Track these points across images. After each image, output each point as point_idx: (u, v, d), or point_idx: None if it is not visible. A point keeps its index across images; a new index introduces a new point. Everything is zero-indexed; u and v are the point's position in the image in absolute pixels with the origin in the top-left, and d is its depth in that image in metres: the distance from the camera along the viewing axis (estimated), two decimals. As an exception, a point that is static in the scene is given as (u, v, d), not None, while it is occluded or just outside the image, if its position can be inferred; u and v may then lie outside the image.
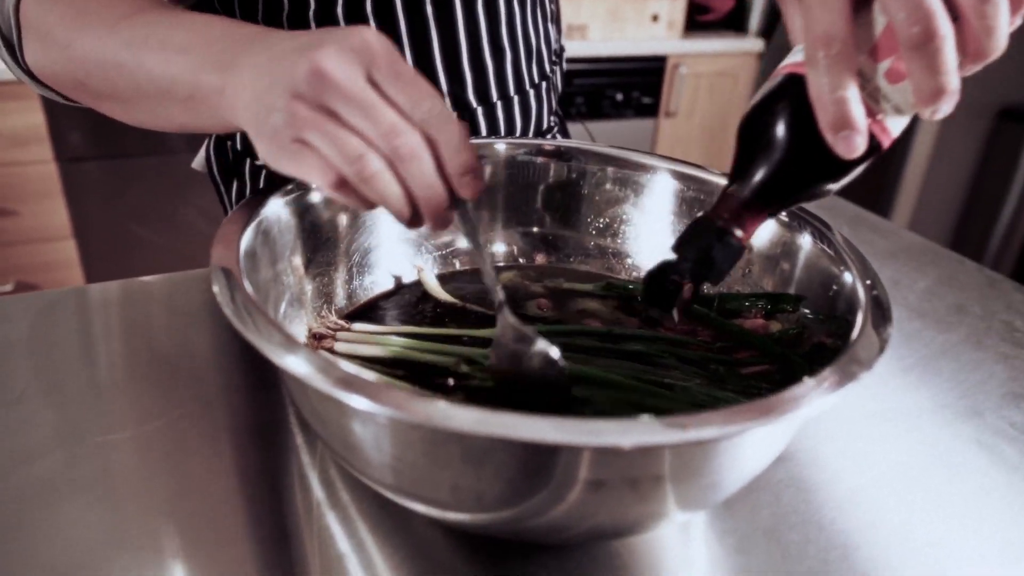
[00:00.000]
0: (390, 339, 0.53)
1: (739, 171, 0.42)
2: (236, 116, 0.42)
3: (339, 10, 0.65)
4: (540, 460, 0.33)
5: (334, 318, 0.56)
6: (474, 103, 0.72)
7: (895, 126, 0.39)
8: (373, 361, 0.52)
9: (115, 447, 0.50)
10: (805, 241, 0.53)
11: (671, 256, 0.46)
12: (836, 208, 1.00)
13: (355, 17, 0.66)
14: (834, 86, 0.36)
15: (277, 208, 0.51)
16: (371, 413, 0.33)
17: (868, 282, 0.44)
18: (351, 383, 0.32)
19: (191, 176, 1.84)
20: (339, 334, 0.54)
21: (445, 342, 0.53)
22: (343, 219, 0.57)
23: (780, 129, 0.40)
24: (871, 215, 0.98)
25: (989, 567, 0.46)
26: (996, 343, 0.70)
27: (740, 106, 2.43)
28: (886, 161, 2.68)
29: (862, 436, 0.57)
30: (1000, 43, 0.35)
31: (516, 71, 0.75)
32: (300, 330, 0.53)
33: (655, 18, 2.18)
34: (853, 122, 0.36)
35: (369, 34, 0.38)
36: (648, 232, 0.64)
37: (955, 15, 0.35)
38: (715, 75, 2.31)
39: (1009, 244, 2.68)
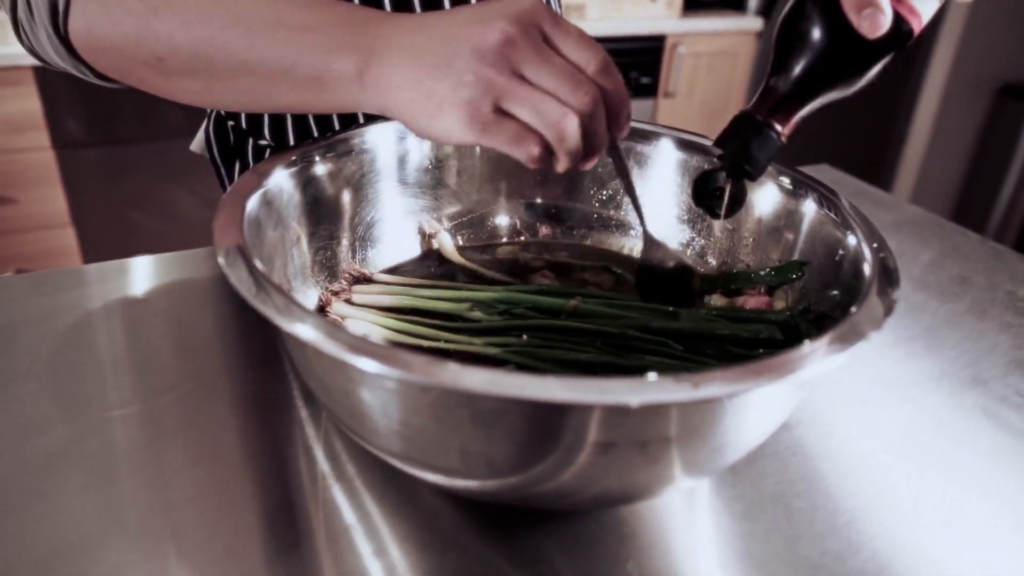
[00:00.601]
0: (405, 289, 0.54)
1: (776, 67, 0.45)
2: (383, 97, 0.43)
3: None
4: (550, 421, 0.33)
5: (356, 266, 0.56)
6: None
7: (924, 8, 0.41)
8: (389, 310, 0.53)
9: (119, 423, 0.50)
10: (810, 208, 0.53)
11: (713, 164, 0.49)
12: (838, 182, 1.00)
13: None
14: None
15: (281, 180, 0.50)
16: (381, 376, 0.33)
17: (875, 245, 0.44)
18: (361, 347, 0.32)
19: (189, 161, 1.83)
20: (355, 287, 0.55)
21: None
22: (346, 192, 0.57)
23: (811, 23, 0.42)
24: (873, 189, 0.98)
25: (996, 531, 0.46)
26: (1000, 313, 0.70)
27: (740, 86, 2.42)
28: (888, 137, 2.67)
29: (867, 404, 0.57)
30: None
31: None
32: (305, 299, 0.53)
33: (653, -3, 2.17)
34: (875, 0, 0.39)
35: (532, 1, 0.41)
36: (652, 203, 0.63)
37: None
38: (714, 54, 2.30)
39: (1010, 221, 2.68)
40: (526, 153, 0.41)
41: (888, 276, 0.41)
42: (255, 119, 0.74)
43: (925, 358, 0.63)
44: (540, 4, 0.42)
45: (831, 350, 0.34)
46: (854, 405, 0.56)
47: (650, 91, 2.25)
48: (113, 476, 0.46)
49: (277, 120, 0.72)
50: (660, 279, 0.56)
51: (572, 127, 0.41)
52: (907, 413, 0.56)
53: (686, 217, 0.62)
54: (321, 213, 0.55)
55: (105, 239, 1.84)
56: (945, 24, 2.47)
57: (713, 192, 0.50)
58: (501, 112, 0.41)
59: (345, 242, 0.57)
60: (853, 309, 0.37)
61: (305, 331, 0.33)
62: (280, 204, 0.50)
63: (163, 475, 0.46)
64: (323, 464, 0.48)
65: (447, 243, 0.61)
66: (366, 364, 0.31)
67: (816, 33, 0.42)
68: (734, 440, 0.38)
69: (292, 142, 0.73)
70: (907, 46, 0.42)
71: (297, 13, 0.45)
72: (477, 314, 0.51)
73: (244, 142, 0.77)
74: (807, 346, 0.34)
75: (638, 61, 2.18)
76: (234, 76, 0.46)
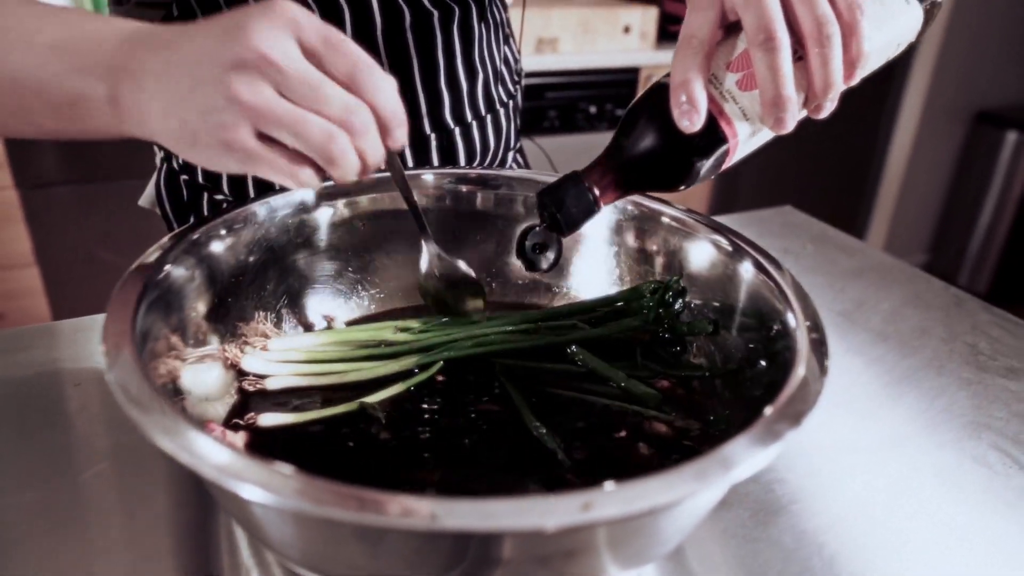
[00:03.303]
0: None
1: (612, 145, 0.48)
2: (144, 127, 0.39)
3: None
4: (434, 540, 0.30)
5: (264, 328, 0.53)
6: (451, 123, 0.72)
7: (743, 130, 0.45)
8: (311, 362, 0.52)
9: (16, 510, 0.47)
10: (748, 274, 0.51)
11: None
12: (802, 225, 0.98)
13: None
14: (685, 69, 0.43)
15: (178, 265, 0.47)
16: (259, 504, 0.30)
17: (808, 323, 0.42)
18: (236, 470, 0.29)
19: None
20: (273, 340, 0.53)
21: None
22: (251, 269, 0.53)
23: (648, 116, 0.46)
24: (838, 232, 0.96)
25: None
26: (959, 367, 0.68)
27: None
28: (865, 167, 2.68)
29: (819, 473, 0.54)
30: (833, 78, 0.42)
31: (486, 91, 0.75)
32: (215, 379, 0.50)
33: (627, 29, 2.16)
34: (694, 99, 0.42)
35: (289, 6, 0.37)
36: (584, 260, 0.61)
37: (799, 55, 0.42)
38: (690, 85, 2.29)
39: (989, 246, 2.68)
40: (296, 181, 0.39)
41: (819, 360, 0.39)
42: (212, 172, 0.71)
43: (881, 420, 0.60)
44: (299, 11, 0.38)
45: (747, 454, 0.31)
46: (805, 475, 0.54)
47: (626, 122, 2.24)
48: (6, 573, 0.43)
49: (236, 175, 0.70)
50: (447, 289, 0.56)
51: (340, 148, 0.38)
52: (862, 483, 0.53)
53: (627, 278, 0.59)
54: (226, 293, 0.51)
55: (72, 279, 1.81)
56: (919, 51, 2.48)
57: (533, 247, 0.52)
58: (263, 138, 0.38)
59: (257, 319, 0.54)
60: (774, 403, 0.35)
61: (181, 452, 0.30)
62: (180, 286, 0.46)
63: (63, 569, 0.43)
64: (245, 555, 0.45)
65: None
66: (244, 489, 0.28)
67: (649, 126, 0.46)
68: (653, 543, 0.36)
69: (252, 195, 0.70)
70: (721, 161, 0.46)
71: (50, 30, 0.41)
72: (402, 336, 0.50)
73: (199, 197, 0.74)
74: (721, 451, 0.31)
75: (613, 93, 2.17)
76: None
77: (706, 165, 0.46)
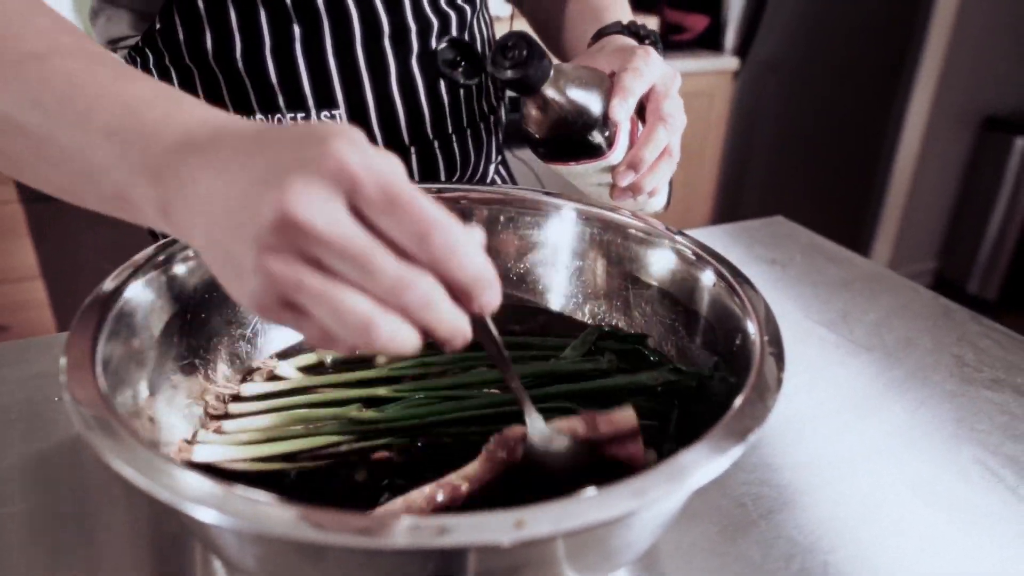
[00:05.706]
0: (284, 401, 0.51)
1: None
2: (192, 242, 0.35)
3: (297, 47, 0.63)
4: (374, 556, 0.30)
5: (218, 389, 0.52)
6: (431, 136, 0.72)
7: (615, 156, 0.57)
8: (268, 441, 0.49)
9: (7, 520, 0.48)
10: (713, 291, 0.51)
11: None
12: (791, 235, 0.98)
13: (314, 53, 0.64)
14: (628, 97, 0.55)
15: (139, 288, 0.48)
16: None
17: (766, 338, 0.42)
18: (186, 492, 0.29)
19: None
20: (231, 407, 0.51)
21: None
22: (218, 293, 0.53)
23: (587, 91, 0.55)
24: (827, 242, 0.96)
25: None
26: (944, 379, 0.67)
27: (717, 125, 2.41)
28: (872, 171, 2.66)
29: (792, 487, 0.54)
30: (648, 182, 0.58)
31: (468, 104, 0.75)
32: (183, 406, 0.50)
33: (628, 39, 2.17)
34: (628, 107, 0.55)
35: (344, 149, 0.30)
36: (552, 274, 0.61)
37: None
38: (691, 95, 2.28)
39: (999, 252, 2.65)
40: (337, 351, 0.34)
41: (775, 374, 0.38)
42: None
43: (861, 432, 0.60)
44: (356, 158, 0.30)
45: (690, 471, 0.31)
46: (775, 490, 0.53)
47: (628, 131, 2.24)
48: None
49: None
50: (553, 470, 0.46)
51: (384, 334, 0.31)
52: (832, 498, 0.53)
53: (603, 292, 0.59)
54: (193, 314, 0.51)
55: (77, 292, 1.82)
56: (925, 55, 2.47)
57: (456, 63, 0.56)
58: (297, 307, 0.32)
59: (224, 346, 0.53)
60: (722, 418, 0.35)
61: (129, 472, 0.31)
62: (143, 315, 0.47)
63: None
64: (216, 564, 0.45)
65: (293, 375, 0.55)
66: (196, 511, 0.29)
67: (583, 108, 0.54)
68: (606, 556, 0.36)
69: None
70: (593, 158, 0.56)
71: (105, 109, 0.37)
72: (367, 414, 0.48)
73: None
74: (662, 467, 0.31)
75: (614, 103, 2.17)
76: (38, 166, 0.40)
77: (589, 150, 0.56)
